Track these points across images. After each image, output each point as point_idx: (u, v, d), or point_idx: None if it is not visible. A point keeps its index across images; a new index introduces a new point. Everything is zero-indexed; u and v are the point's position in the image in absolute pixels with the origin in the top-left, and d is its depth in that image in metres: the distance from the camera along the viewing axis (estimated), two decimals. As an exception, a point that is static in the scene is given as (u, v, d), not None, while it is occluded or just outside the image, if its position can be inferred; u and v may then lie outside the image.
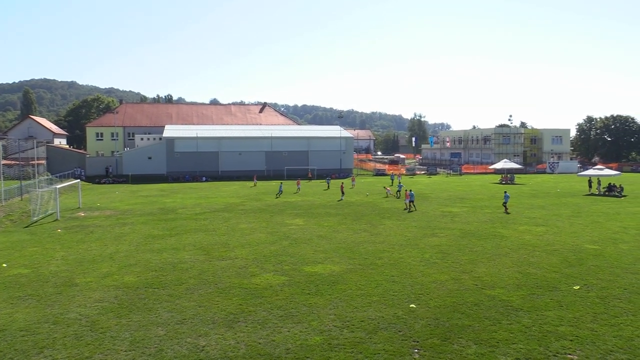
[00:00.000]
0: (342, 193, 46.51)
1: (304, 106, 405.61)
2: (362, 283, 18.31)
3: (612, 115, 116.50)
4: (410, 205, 37.84)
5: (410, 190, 39.02)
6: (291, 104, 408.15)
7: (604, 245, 24.78)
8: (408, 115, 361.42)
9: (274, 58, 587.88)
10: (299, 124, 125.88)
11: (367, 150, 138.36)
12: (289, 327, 14.04)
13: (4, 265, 21.54)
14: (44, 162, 69.51)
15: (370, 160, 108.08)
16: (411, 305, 15.78)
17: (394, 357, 12.11)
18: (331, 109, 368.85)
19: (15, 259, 22.82)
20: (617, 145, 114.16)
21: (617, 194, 48.26)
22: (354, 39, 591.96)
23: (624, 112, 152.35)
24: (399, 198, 44.64)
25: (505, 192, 39.22)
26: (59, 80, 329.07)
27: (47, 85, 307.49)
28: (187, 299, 16.60)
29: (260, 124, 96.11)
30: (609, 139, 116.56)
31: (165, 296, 16.94)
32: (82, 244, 26.11)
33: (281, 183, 54.79)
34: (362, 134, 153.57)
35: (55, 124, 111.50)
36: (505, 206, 36.83)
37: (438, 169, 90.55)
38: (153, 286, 18.12)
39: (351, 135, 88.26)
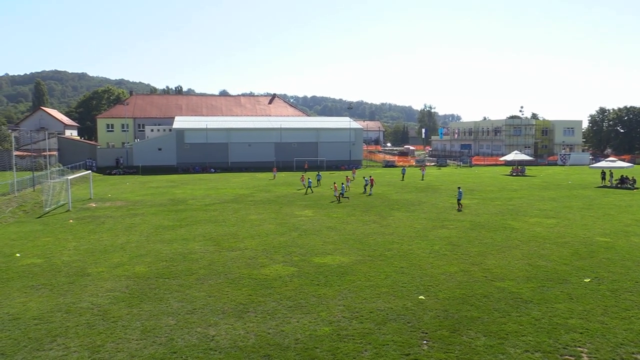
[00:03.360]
0: (371, 186, 43.84)
1: (314, 97, 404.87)
2: (371, 274, 18.34)
3: (625, 107, 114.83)
4: (339, 197, 38.58)
5: (342, 184, 40.71)
6: (300, 95, 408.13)
7: (616, 237, 24.57)
8: (418, 106, 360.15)
9: (284, 49, 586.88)
10: (308, 115, 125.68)
11: (376, 142, 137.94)
12: (298, 318, 14.11)
13: (18, 255, 21.84)
14: (55, 153, 70.10)
15: (379, 151, 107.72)
16: (420, 297, 15.78)
17: (403, 348, 12.14)
18: (340, 100, 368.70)
19: (28, 249, 23.13)
20: (630, 137, 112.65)
21: (629, 186, 47.76)
22: (363, 28, 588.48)
23: (637, 104, 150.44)
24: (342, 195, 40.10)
25: (459, 188, 36.41)
26: (70, 71, 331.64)
27: (58, 76, 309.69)
28: (197, 289, 16.74)
29: (270, 115, 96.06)
30: (621, 130, 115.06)
31: (176, 286, 17.09)
32: (94, 234, 26.38)
33: (318, 173, 54.14)
34: (372, 125, 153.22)
35: (66, 116, 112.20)
36: (459, 203, 34.51)
37: (448, 161, 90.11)
38: (164, 276, 18.29)
39: (360, 127, 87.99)
